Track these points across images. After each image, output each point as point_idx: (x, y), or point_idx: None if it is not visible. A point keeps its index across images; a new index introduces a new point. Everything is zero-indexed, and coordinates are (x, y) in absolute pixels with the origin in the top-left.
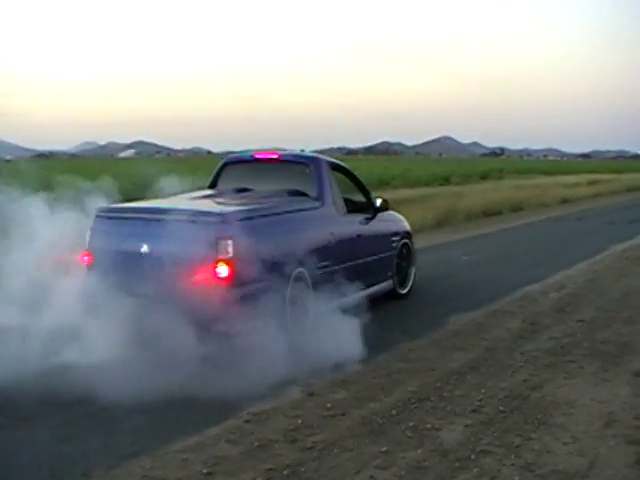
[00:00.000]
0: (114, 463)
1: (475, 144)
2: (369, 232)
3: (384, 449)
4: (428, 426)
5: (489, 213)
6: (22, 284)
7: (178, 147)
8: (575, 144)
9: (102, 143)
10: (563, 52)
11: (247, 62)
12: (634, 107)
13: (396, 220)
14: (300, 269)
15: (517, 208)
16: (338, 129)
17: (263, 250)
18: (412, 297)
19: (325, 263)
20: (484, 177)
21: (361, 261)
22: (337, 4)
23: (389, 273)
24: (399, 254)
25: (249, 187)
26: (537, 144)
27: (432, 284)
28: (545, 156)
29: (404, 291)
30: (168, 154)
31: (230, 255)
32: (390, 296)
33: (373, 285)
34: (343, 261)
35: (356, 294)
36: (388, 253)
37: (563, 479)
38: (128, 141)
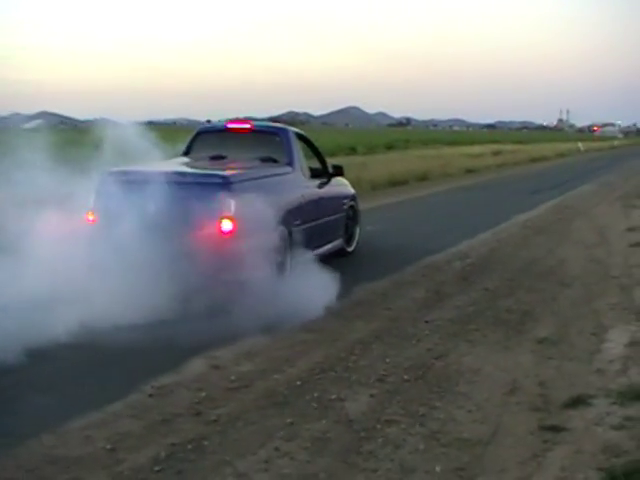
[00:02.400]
0: (14, 442)
1: (381, 114)
2: (327, 195)
3: (289, 421)
4: (333, 397)
5: (395, 183)
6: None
7: (83, 118)
8: (480, 115)
9: (5, 114)
10: (467, 24)
11: (150, 33)
12: (538, 79)
13: (344, 184)
14: (282, 227)
15: (422, 178)
16: (244, 100)
17: (256, 208)
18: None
19: (297, 222)
20: (390, 147)
21: (321, 221)
22: None
23: (340, 232)
24: (347, 215)
25: (223, 154)
26: (443, 114)
27: (335, 254)
28: (451, 127)
29: (351, 249)
30: (75, 125)
31: (233, 212)
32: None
33: (329, 243)
34: (309, 220)
35: (316, 251)
36: (340, 214)
37: (467, 447)
38: (32, 112)
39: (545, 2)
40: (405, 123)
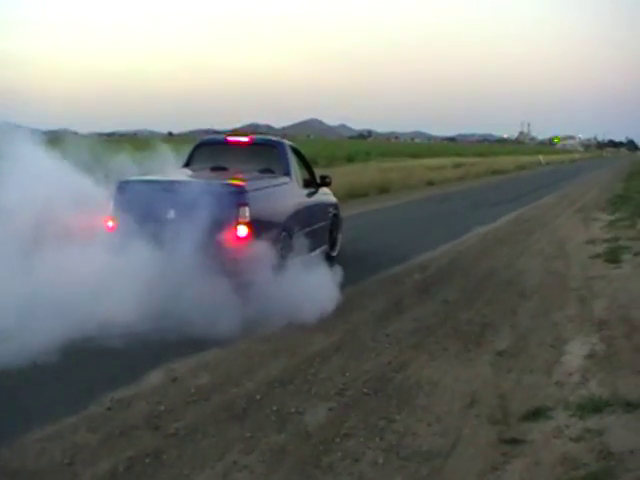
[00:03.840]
0: None
1: (343, 126)
2: (316, 203)
3: (247, 434)
4: (292, 409)
5: (355, 195)
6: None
7: (46, 128)
8: (442, 127)
9: None
10: (429, 36)
11: (105, 38)
12: (499, 92)
13: (328, 193)
14: (285, 232)
15: (383, 190)
16: (206, 111)
17: (266, 215)
18: None
19: (296, 227)
20: (350, 159)
21: (313, 227)
22: None
23: (326, 238)
24: (332, 222)
25: (223, 166)
26: (405, 127)
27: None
28: (412, 139)
29: (334, 254)
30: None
31: (247, 218)
32: None
33: (319, 247)
34: (305, 226)
35: (310, 254)
36: (326, 221)
37: (426, 460)
38: None
39: (506, 15)
40: (367, 135)
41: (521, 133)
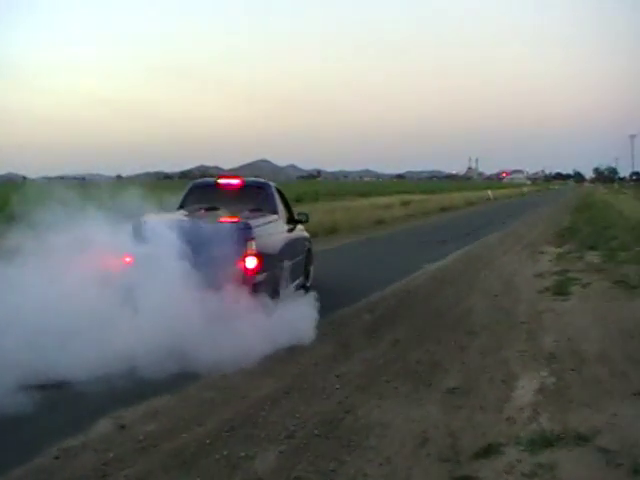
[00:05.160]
0: None
1: (292, 167)
2: (295, 238)
3: None
4: (242, 454)
5: None
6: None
7: None
8: (390, 165)
9: None
10: (376, 74)
11: (54, 84)
12: (447, 129)
13: (302, 229)
14: (279, 264)
15: (331, 231)
16: (153, 154)
17: (267, 248)
18: None
19: (285, 260)
20: (299, 200)
21: (294, 260)
22: (146, 25)
23: (302, 269)
24: (306, 255)
25: (216, 207)
26: (354, 166)
27: None
28: (361, 177)
29: (308, 284)
30: None
31: (254, 251)
32: None
33: (298, 278)
34: (289, 258)
35: (293, 284)
36: (302, 255)
37: None
38: None
39: (451, 53)
40: (316, 175)
41: (469, 169)
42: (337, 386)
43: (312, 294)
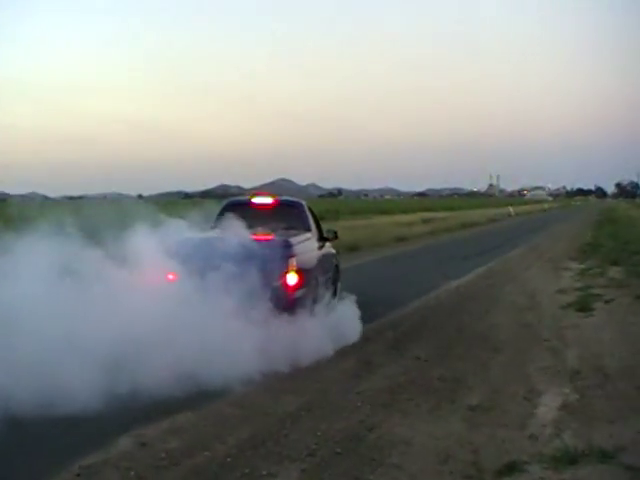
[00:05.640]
0: None
1: (313, 185)
2: (326, 254)
3: None
4: (264, 472)
5: None
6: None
7: (15, 192)
8: (411, 183)
9: None
10: (395, 92)
11: (77, 105)
12: (468, 146)
13: (330, 246)
14: (315, 280)
15: (352, 248)
16: (174, 174)
17: (306, 265)
18: None
19: (320, 276)
20: (320, 218)
21: (326, 276)
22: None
23: (331, 285)
24: (335, 271)
25: (251, 225)
26: (374, 184)
27: None
28: (382, 196)
29: (336, 300)
30: (3, 199)
31: (295, 267)
32: None
33: (327, 294)
34: (320, 275)
35: (324, 301)
36: (332, 271)
37: None
38: None
39: (471, 70)
40: (336, 194)
41: (490, 186)
42: (358, 403)
43: (342, 308)
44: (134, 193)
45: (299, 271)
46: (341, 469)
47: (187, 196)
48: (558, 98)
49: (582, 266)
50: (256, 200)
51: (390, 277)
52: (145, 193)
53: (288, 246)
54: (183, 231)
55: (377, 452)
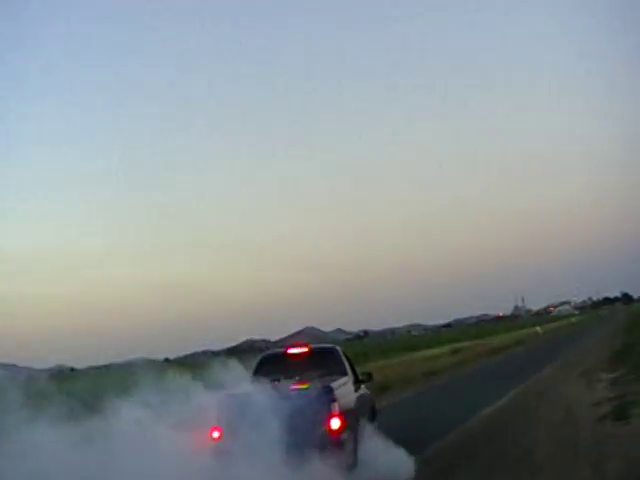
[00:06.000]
0: None
1: (339, 330)
2: (362, 395)
3: None
4: None
5: None
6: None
7: (40, 367)
8: (437, 315)
9: None
10: (409, 227)
11: (95, 271)
12: (489, 272)
13: (364, 388)
14: (356, 420)
15: (383, 388)
16: (199, 333)
17: (346, 408)
18: None
19: (358, 418)
20: None
21: (364, 417)
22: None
23: (369, 425)
24: (371, 412)
25: (289, 375)
26: (400, 321)
27: None
28: (409, 332)
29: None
30: (30, 375)
31: (338, 411)
32: None
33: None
34: (360, 416)
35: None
36: (369, 412)
37: None
38: None
39: (487, 195)
40: (362, 336)
41: (516, 307)
42: None
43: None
44: (161, 357)
45: (341, 414)
46: None
47: (214, 354)
48: (577, 212)
49: (614, 375)
50: (291, 350)
51: (421, 414)
52: (171, 356)
53: (329, 391)
54: (225, 388)
55: None
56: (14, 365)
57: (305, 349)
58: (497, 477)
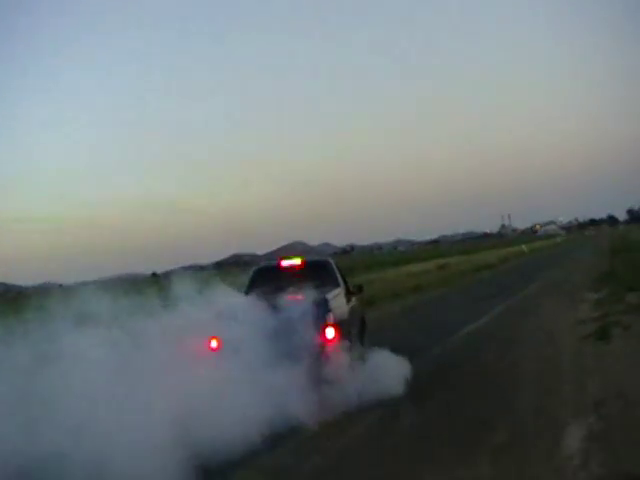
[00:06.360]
0: None
1: (325, 244)
2: (353, 307)
3: None
4: None
5: None
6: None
7: (28, 284)
8: (423, 232)
9: None
10: (401, 143)
11: (84, 189)
12: (477, 189)
13: (355, 300)
14: (349, 332)
15: (370, 302)
16: (185, 247)
17: (342, 319)
18: None
19: (349, 328)
20: None
21: (356, 327)
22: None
23: (360, 334)
24: (361, 323)
25: (283, 286)
26: (386, 236)
27: None
28: (395, 247)
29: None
30: (19, 292)
31: (332, 321)
32: None
33: (358, 344)
34: (352, 327)
35: (356, 351)
36: (359, 323)
37: None
38: None
39: (477, 111)
40: (349, 250)
41: (503, 226)
42: (386, 456)
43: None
44: (148, 272)
45: (335, 325)
46: None
47: (201, 268)
48: (565, 132)
49: (599, 295)
50: (285, 263)
51: (407, 328)
52: (159, 270)
53: (325, 302)
54: (224, 297)
55: None
56: (3, 283)
57: (299, 261)
58: (481, 390)
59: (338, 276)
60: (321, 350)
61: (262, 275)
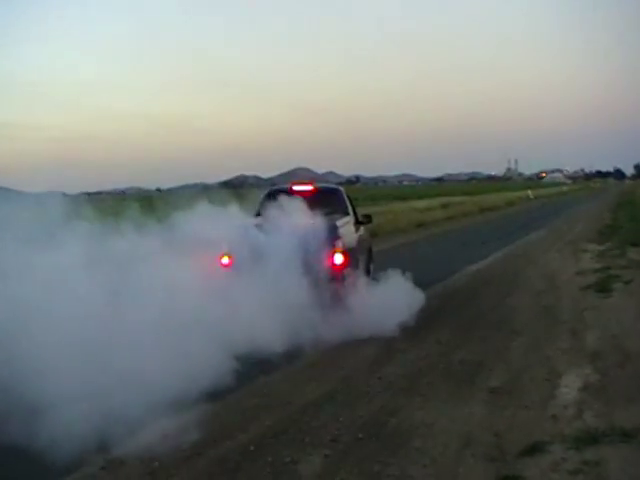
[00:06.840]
0: None
1: (331, 173)
2: (362, 236)
3: None
4: (286, 459)
5: None
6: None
7: (31, 190)
8: (429, 169)
9: None
10: (413, 78)
11: (92, 102)
12: (485, 130)
13: (363, 229)
14: (357, 259)
15: (372, 235)
16: (193, 166)
17: (350, 245)
18: None
19: (357, 256)
20: None
21: (363, 256)
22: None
23: (365, 265)
24: (369, 252)
25: (293, 210)
26: (392, 170)
27: None
28: (400, 182)
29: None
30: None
31: (341, 248)
32: None
33: (365, 273)
34: (360, 255)
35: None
36: (367, 252)
37: None
38: None
39: (488, 51)
40: (354, 181)
41: (508, 170)
42: (379, 389)
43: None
44: (152, 187)
45: (344, 251)
46: (363, 454)
47: (206, 187)
48: (576, 81)
49: (601, 248)
50: (297, 187)
51: (409, 263)
52: (164, 186)
53: (334, 228)
54: (234, 219)
55: (398, 437)
56: (6, 188)
57: (310, 187)
58: (478, 334)
59: (348, 205)
60: (329, 275)
61: (273, 199)
